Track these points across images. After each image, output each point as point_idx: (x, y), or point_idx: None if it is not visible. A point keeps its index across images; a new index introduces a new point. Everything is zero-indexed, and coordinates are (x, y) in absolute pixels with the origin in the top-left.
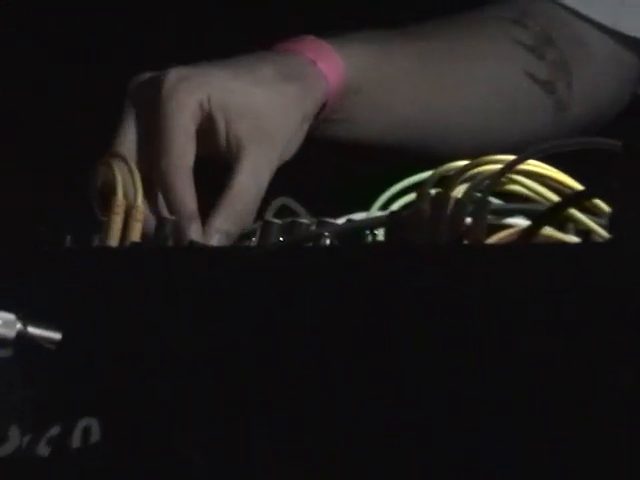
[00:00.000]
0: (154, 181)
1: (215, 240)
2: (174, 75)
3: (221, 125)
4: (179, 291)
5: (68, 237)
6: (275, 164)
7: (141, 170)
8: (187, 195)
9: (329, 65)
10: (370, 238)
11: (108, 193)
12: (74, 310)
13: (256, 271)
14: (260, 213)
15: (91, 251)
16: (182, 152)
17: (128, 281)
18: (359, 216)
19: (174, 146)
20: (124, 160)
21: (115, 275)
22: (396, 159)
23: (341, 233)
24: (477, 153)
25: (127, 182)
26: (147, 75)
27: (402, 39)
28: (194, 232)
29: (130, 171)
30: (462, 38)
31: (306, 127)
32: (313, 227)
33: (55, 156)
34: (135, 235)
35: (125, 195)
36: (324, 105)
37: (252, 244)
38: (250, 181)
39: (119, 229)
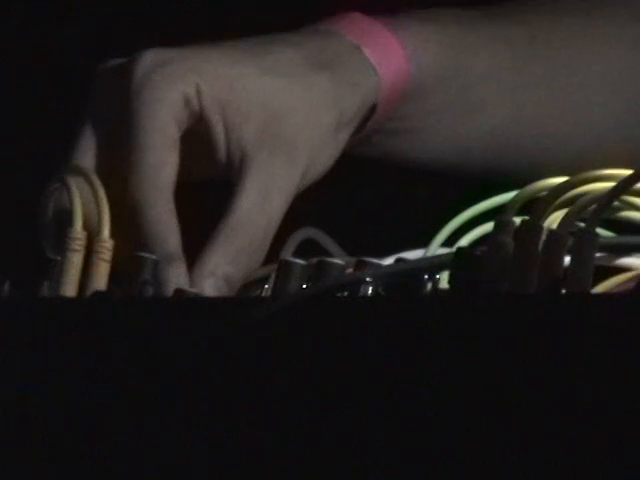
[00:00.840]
0: (125, 205)
1: (209, 287)
2: (148, 58)
3: (217, 128)
4: (162, 358)
5: (6, 283)
6: (295, 184)
7: (109, 190)
8: (165, 225)
9: (382, 52)
10: (429, 285)
11: (62, 222)
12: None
13: (268, 332)
14: (274, 250)
15: (38, 303)
16: (158, 165)
17: (88, 345)
18: (413, 254)
19: (147, 157)
20: (85, 176)
21: (71, 337)
22: (468, 180)
23: (389, 278)
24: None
25: (89, 207)
26: (116, 62)
27: (489, 22)
28: (177, 276)
29: (93, 191)
30: (576, 20)
31: (343, 136)
32: (349, 269)
33: None
34: (100, 280)
35: (86, 224)
36: (373, 108)
37: (263, 294)
38: (257, 206)
39: (77, 272)
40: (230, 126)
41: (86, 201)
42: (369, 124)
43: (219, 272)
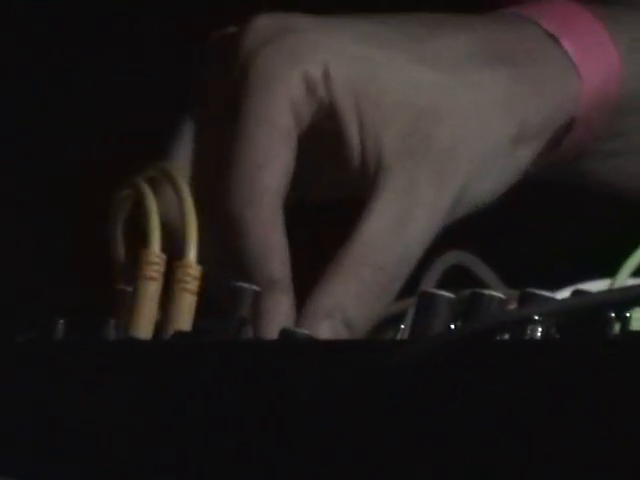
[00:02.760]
0: (218, 218)
1: (325, 330)
2: (262, 26)
3: (350, 127)
4: (264, 417)
5: (60, 322)
6: (445, 207)
7: (200, 200)
8: (270, 243)
9: (588, 47)
10: (617, 325)
11: (135, 242)
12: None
13: (404, 386)
14: (413, 279)
15: (101, 347)
16: (264, 164)
17: (167, 402)
18: (595, 286)
19: (251, 152)
20: (169, 179)
21: (145, 392)
22: None
23: (564, 316)
24: None
25: (171, 221)
26: (231, 30)
27: None
28: (281, 311)
29: (179, 201)
30: None
31: (525, 153)
32: (511, 305)
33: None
34: (183, 317)
35: (166, 245)
36: (572, 122)
37: (398, 336)
38: (392, 231)
39: (154, 306)
40: (367, 126)
41: (167, 214)
42: (565, 141)
43: (338, 313)
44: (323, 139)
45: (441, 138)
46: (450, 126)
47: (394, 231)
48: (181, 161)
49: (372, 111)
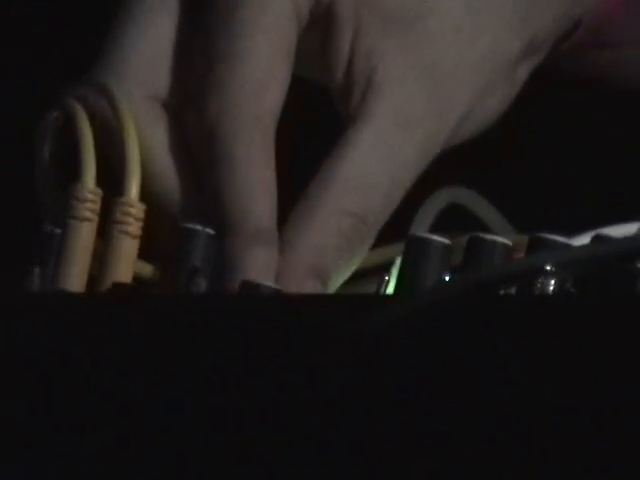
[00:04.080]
0: (192, 145)
1: (309, 288)
2: None
3: (345, 31)
4: (222, 384)
5: None
6: (444, 135)
7: (147, 126)
8: (264, 193)
9: None
10: None
11: (65, 175)
12: None
13: (391, 347)
14: (402, 221)
15: (25, 300)
16: (263, 82)
17: (102, 368)
18: (619, 230)
19: (248, 67)
20: (110, 97)
21: (76, 355)
22: None
23: (582, 266)
24: None
25: (109, 150)
26: None
27: None
28: (267, 266)
29: (118, 124)
30: None
31: (524, 72)
32: (520, 252)
33: None
34: (122, 266)
35: (104, 179)
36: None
37: (383, 290)
38: (378, 159)
39: (87, 253)
40: (362, 35)
41: (104, 141)
42: (565, 44)
43: (322, 272)
44: (307, 45)
45: (444, 58)
46: (455, 46)
47: (381, 160)
48: (131, 69)
49: (371, 19)
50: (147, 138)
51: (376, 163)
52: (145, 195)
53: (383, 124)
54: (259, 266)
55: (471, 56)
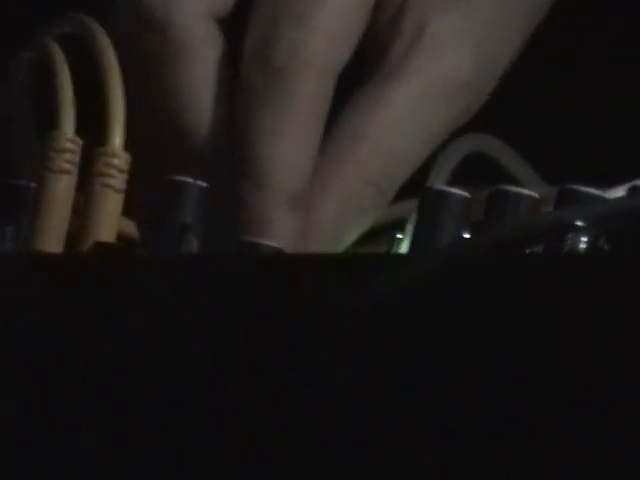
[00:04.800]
0: (246, 80)
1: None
2: None
3: None
4: (222, 357)
5: None
6: (475, 109)
7: (137, 59)
8: (310, 155)
9: None
10: None
11: (41, 121)
12: None
13: (405, 311)
14: (417, 174)
15: None
16: (341, 31)
17: (86, 326)
18: None
19: (330, 8)
20: (92, 35)
21: (55, 316)
22: None
23: (616, 221)
24: None
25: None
26: None
27: None
28: (292, 231)
29: (103, 66)
30: None
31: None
32: (548, 206)
33: None
34: (105, 224)
35: (90, 125)
36: None
37: (394, 248)
38: (409, 127)
39: (65, 209)
40: None
41: (85, 84)
42: None
43: (332, 229)
44: None
45: (492, 24)
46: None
47: (411, 137)
48: None
49: None
50: (194, 65)
51: (408, 129)
52: (154, 134)
53: (422, 87)
54: (288, 231)
55: (512, 17)
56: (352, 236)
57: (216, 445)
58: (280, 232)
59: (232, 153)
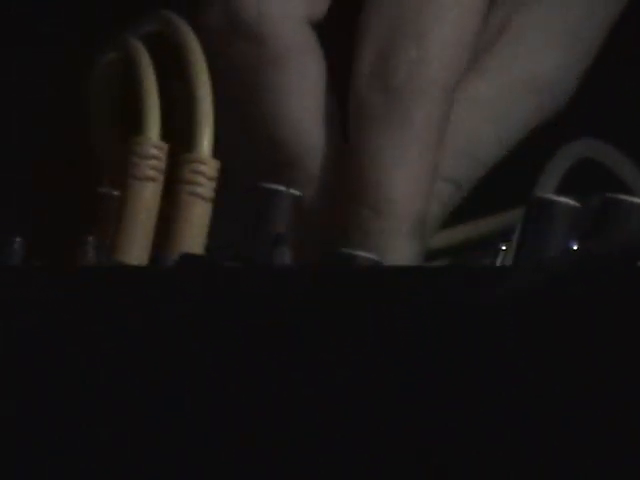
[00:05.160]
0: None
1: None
2: None
3: None
4: (315, 370)
5: (16, 241)
6: (564, 101)
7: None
8: (426, 164)
9: None
10: None
11: (127, 128)
12: None
13: (510, 325)
14: (522, 183)
15: (75, 276)
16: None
17: (172, 341)
18: None
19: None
20: (179, 35)
21: (140, 329)
22: None
23: None
24: None
25: (181, 91)
26: None
27: None
28: (414, 258)
29: (191, 67)
30: None
31: None
32: None
33: None
34: (194, 234)
35: (170, 131)
36: None
37: (498, 261)
38: (492, 117)
39: (151, 217)
40: None
41: (171, 86)
42: None
43: (414, 229)
44: None
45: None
46: None
47: (492, 129)
48: None
49: None
50: (291, 75)
51: (487, 130)
52: (247, 140)
53: (504, 86)
54: (409, 260)
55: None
56: (435, 229)
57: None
58: (401, 261)
59: (344, 176)
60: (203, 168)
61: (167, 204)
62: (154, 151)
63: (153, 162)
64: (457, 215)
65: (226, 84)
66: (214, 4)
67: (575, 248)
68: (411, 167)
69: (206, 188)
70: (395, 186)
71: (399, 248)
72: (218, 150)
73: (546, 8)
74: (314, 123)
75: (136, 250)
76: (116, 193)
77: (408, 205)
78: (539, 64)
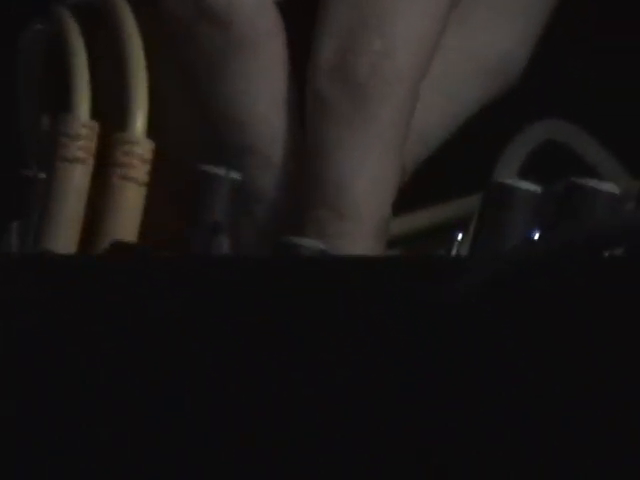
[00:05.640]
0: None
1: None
2: None
3: None
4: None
5: None
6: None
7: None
8: (389, 163)
9: None
10: None
11: (54, 105)
12: None
13: (467, 321)
14: (480, 165)
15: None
16: None
17: (101, 335)
18: None
19: None
20: (112, 6)
21: (68, 323)
22: None
23: None
24: None
25: (106, 72)
26: None
27: None
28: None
29: (123, 41)
30: None
31: None
32: (630, 203)
33: None
34: (125, 221)
35: (100, 109)
36: None
37: (453, 250)
38: (441, 95)
39: (80, 201)
40: None
41: (103, 63)
42: None
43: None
44: None
45: None
46: None
47: (443, 105)
48: None
49: None
50: (256, 57)
51: (438, 110)
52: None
53: (455, 65)
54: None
55: None
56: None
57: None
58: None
59: (305, 173)
60: (136, 149)
61: (97, 188)
62: (83, 130)
63: (82, 142)
64: (409, 202)
65: (185, 65)
66: None
67: (536, 237)
68: (374, 166)
69: (139, 171)
70: (357, 186)
71: (361, 252)
72: (152, 131)
73: None
74: (276, 109)
75: (64, 237)
76: (42, 176)
77: (371, 206)
78: (489, 41)
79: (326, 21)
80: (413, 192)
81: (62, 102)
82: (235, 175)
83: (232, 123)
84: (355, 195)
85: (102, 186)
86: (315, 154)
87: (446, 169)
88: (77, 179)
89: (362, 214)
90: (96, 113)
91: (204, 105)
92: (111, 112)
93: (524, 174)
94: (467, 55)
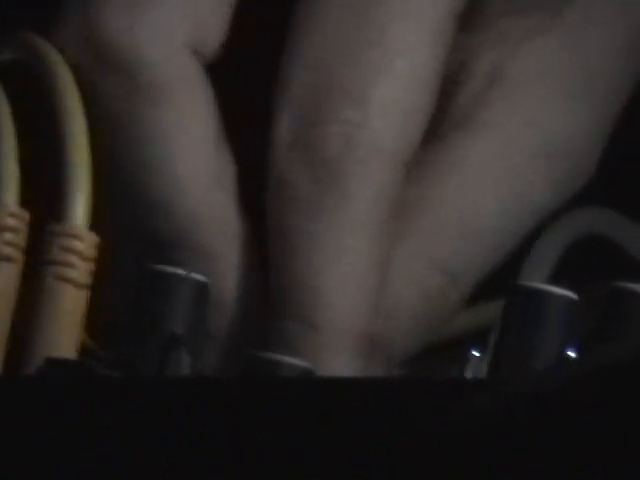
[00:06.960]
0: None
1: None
2: None
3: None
4: None
5: None
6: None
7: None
8: (367, 258)
9: None
10: None
11: None
12: None
13: (472, 453)
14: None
15: None
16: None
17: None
18: None
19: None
20: (48, 66)
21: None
22: None
23: None
24: None
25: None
26: None
27: None
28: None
29: (60, 111)
30: None
31: None
32: None
33: None
34: (63, 331)
35: (33, 195)
36: None
37: (466, 372)
38: (487, 195)
39: (8, 308)
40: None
41: (37, 138)
42: None
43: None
44: None
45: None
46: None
47: (490, 207)
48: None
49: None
50: (171, 115)
51: (484, 199)
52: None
53: (503, 145)
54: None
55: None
56: (422, 334)
57: None
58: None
59: (265, 278)
60: (76, 244)
61: (28, 291)
62: (11, 221)
63: (9, 236)
64: None
65: (92, 127)
66: (69, 23)
67: (573, 355)
68: (350, 263)
69: (79, 271)
70: (330, 289)
71: (338, 367)
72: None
73: (549, 50)
74: (207, 182)
75: None
76: None
77: (348, 312)
78: (547, 117)
79: (287, 84)
80: None
81: None
82: (198, 276)
83: (154, 205)
84: (328, 301)
85: (34, 289)
86: (277, 251)
87: None
88: (3, 281)
89: (337, 322)
90: (27, 199)
91: (120, 182)
92: (45, 198)
93: (555, 274)
94: (519, 134)
